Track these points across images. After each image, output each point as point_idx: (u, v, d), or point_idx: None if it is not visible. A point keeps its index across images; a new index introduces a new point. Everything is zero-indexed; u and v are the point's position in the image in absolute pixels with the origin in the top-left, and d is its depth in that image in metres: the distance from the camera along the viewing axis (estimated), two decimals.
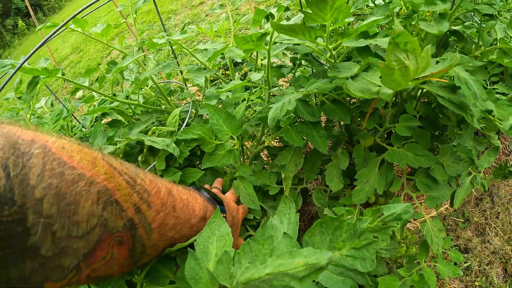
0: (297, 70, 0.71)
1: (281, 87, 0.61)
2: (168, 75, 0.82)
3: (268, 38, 0.42)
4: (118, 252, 0.25)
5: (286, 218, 0.30)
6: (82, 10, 0.53)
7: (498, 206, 1.08)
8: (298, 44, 0.53)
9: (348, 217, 0.24)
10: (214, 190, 0.49)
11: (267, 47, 0.44)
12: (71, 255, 0.22)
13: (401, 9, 0.61)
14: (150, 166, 0.52)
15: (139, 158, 0.53)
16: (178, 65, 0.72)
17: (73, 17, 0.51)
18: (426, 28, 0.37)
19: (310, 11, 0.34)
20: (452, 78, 0.46)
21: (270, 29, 0.41)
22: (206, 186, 0.56)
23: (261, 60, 0.77)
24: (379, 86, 0.36)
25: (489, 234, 1.03)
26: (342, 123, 0.74)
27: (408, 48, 0.27)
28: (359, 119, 0.64)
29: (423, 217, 0.62)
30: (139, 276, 0.34)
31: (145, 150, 0.52)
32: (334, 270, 0.23)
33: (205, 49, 0.68)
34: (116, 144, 0.52)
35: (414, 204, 0.61)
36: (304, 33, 0.37)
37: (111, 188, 0.24)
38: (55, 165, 0.21)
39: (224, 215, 0.42)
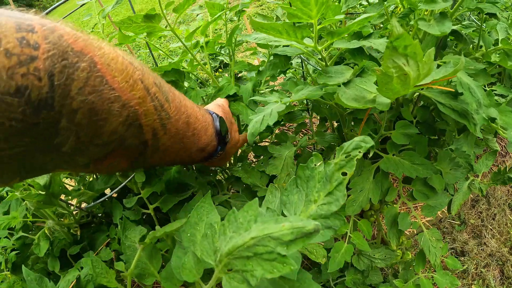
0: (288, 71, 0.67)
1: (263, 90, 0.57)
2: None
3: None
4: (122, 162, 0.28)
5: (272, 206, 0.30)
6: (74, 11, 0.49)
7: (494, 208, 1.07)
8: (288, 46, 0.49)
9: (318, 164, 0.24)
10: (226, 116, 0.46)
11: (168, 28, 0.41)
12: (85, 156, 0.24)
13: (396, 7, 0.57)
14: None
15: None
16: (157, 65, 0.68)
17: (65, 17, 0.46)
18: (426, 29, 0.34)
19: (293, 7, 0.30)
20: (449, 82, 0.42)
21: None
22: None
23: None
24: (374, 93, 0.32)
25: (485, 236, 1.01)
26: (334, 124, 0.71)
27: (408, 53, 0.23)
28: (352, 123, 0.60)
29: (420, 225, 0.59)
30: (128, 272, 0.33)
31: None
32: None
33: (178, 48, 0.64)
34: None
35: (411, 213, 0.58)
36: (289, 33, 0.33)
37: (140, 113, 0.25)
38: (97, 82, 0.22)
39: (222, 152, 0.43)
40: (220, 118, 0.42)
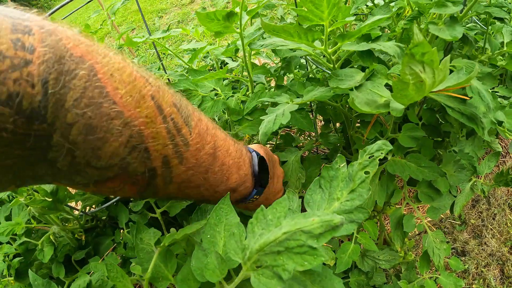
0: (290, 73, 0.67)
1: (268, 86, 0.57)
2: None
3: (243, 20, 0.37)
4: (128, 188, 0.25)
5: (289, 206, 0.30)
6: (72, 12, 0.48)
7: (494, 208, 1.08)
8: (294, 50, 0.48)
9: (342, 164, 0.25)
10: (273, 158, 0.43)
11: (239, 30, 0.40)
12: (83, 176, 0.22)
13: (400, 9, 0.57)
14: None
15: None
16: (163, 67, 0.68)
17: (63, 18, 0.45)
18: (437, 33, 0.34)
19: (305, 9, 0.30)
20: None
21: (237, 9, 0.38)
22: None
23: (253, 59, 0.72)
24: (386, 98, 0.32)
25: (486, 236, 1.02)
26: (337, 124, 0.71)
27: (425, 60, 0.23)
28: (357, 124, 0.60)
29: (424, 226, 0.59)
30: (145, 275, 0.32)
31: None
32: None
33: (191, 49, 0.63)
34: None
35: (416, 214, 0.58)
36: (300, 35, 0.33)
37: (146, 135, 0.22)
38: (96, 94, 0.19)
39: (257, 197, 0.38)
40: (261, 158, 0.37)
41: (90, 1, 0.54)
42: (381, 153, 0.24)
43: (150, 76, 0.24)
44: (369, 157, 0.24)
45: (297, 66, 0.57)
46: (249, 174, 0.35)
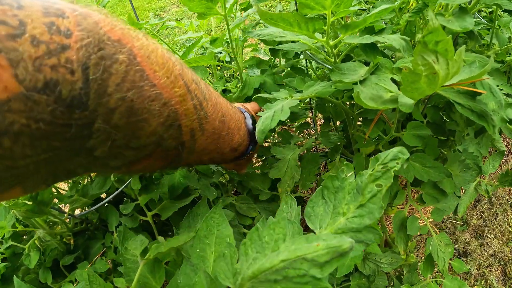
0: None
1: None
2: None
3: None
4: (158, 163, 0.26)
5: (288, 217, 0.28)
6: None
7: (496, 208, 1.06)
8: (294, 42, 0.46)
9: (349, 174, 0.22)
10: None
11: (222, 12, 0.38)
12: (119, 159, 0.22)
13: (402, 2, 0.55)
14: None
15: None
16: None
17: None
18: (446, 24, 0.31)
19: None
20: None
21: None
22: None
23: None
24: (392, 92, 0.30)
25: (488, 237, 1.01)
26: (338, 123, 0.69)
27: (439, 49, 0.21)
28: (359, 122, 0.58)
29: (428, 228, 0.57)
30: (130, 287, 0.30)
31: None
32: None
33: (187, 39, 0.60)
34: None
35: (419, 216, 0.56)
36: (300, 25, 0.31)
37: (180, 113, 0.23)
38: (137, 78, 0.19)
39: (252, 152, 0.41)
40: (252, 117, 0.40)
41: None
42: (397, 163, 0.20)
43: (172, 55, 0.24)
44: (382, 167, 0.21)
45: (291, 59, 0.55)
46: (246, 132, 0.37)
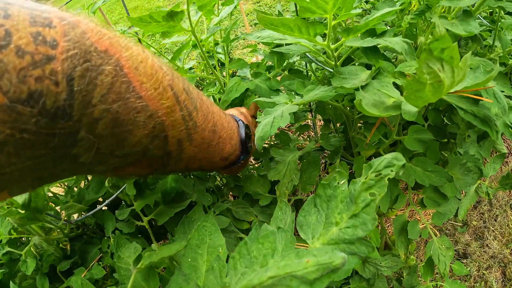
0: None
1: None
2: None
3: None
4: (144, 170, 0.26)
5: (282, 224, 0.27)
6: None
7: (496, 209, 1.06)
8: (291, 44, 0.45)
9: (341, 182, 0.22)
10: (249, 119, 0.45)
11: (189, 28, 0.36)
12: (104, 165, 0.22)
13: (402, 4, 0.54)
14: None
15: None
16: None
17: None
18: (450, 28, 0.31)
19: (307, 0, 0.27)
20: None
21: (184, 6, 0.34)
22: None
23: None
24: (395, 99, 0.29)
25: (487, 238, 1.01)
26: (338, 125, 0.68)
27: (445, 57, 0.20)
28: (359, 125, 0.58)
29: (428, 232, 0.57)
30: None
31: None
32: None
33: (173, 43, 0.59)
34: None
35: (420, 220, 0.55)
36: (301, 29, 0.30)
37: (167, 124, 0.23)
38: (123, 89, 0.19)
39: (243, 161, 0.41)
40: (246, 125, 0.40)
41: (69, 1, 0.50)
42: (391, 171, 0.20)
43: (164, 64, 0.24)
44: (376, 175, 0.20)
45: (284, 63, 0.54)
46: (238, 142, 0.37)
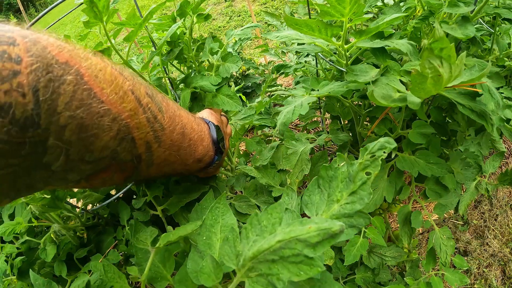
0: (299, 69, 0.68)
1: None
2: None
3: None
4: (116, 176, 0.27)
5: (289, 207, 0.29)
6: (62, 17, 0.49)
7: (497, 209, 1.09)
8: (303, 44, 0.50)
9: (341, 164, 0.24)
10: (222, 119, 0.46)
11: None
12: (76, 173, 0.23)
13: (408, 9, 0.59)
14: None
15: None
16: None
17: (65, 15, 0.46)
18: (450, 31, 0.35)
19: (328, 5, 0.31)
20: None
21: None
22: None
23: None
24: (401, 92, 0.33)
25: (488, 237, 1.03)
26: (346, 122, 0.72)
27: (443, 55, 0.24)
28: (366, 122, 0.62)
29: (431, 224, 0.60)
30: (142, 277, 0.32)
31: None
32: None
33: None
34: None
35: (423, 211, 0.59)
36: (321, 30, 0.34)
37: (132, 126, 0.24)
38: (85, 96, 0.21)
39: (218, 162, 0.42)
40: (216, 127, 0.41)
41: (75, 8, 0.54)
42: (384, 152, 0.22)
43: (124, 71, 0.26)
44: (371, 157, 0.22)
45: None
46: (210, 143, 0.38)
